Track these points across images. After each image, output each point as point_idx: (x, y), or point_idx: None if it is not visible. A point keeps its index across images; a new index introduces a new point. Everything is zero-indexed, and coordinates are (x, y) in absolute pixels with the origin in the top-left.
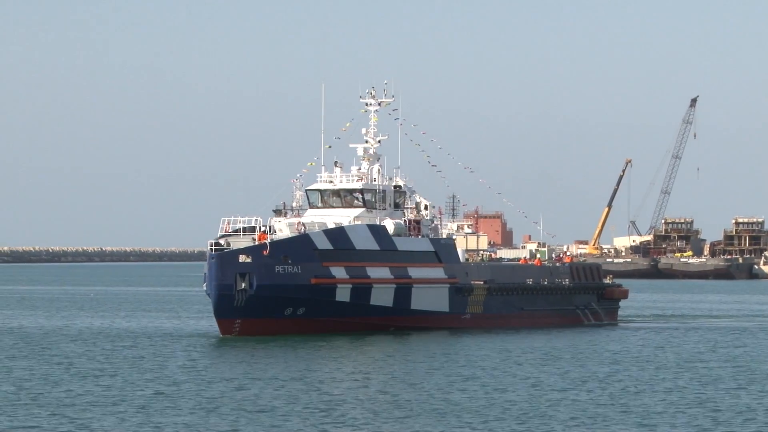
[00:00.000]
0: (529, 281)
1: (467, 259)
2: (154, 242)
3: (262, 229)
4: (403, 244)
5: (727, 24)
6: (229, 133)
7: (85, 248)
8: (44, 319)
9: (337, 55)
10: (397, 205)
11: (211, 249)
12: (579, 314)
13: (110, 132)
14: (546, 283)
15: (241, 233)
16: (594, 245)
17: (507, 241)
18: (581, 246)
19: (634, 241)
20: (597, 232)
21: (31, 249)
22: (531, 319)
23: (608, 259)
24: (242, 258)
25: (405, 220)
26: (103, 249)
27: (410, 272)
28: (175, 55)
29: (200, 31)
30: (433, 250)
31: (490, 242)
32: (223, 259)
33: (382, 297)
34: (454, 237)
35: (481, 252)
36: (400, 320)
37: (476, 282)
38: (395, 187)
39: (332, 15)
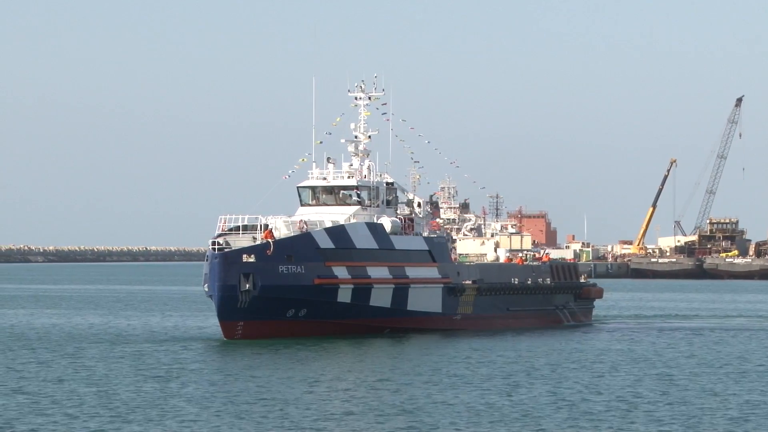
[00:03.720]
0: (515, 281)
1: (511, 259)
2: (197, 242)
3: (268, 226)
4: (399, 243)
5: None
6: (220, 130)
7: (130, 248)
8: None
9: (327, 49)
10: (388, 203)
11: (213, 248)
12: (559, 314)
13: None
14: (530, 282)
15: (241, 231)
16: (638, 245)
17: (551, 240)
18: (626, 246)
19: (678, 241)
20: (641, 232)
21: (77, 249)
22: (515, 320)
23: (653, 259)
24: (246, 257)
25: (400, 218)
26: (148, 248)
27: (407, 272)
28: (169, 55)
29: (192, 28)
30: (427, 248)
31: (534, 242)
32: (227, 258)
33: (381, 298)
34: (500, 236)
35: (525, 252)
36: (396, 321)
37: (467, 282)
38: (387, 183)
39: (322, 8)
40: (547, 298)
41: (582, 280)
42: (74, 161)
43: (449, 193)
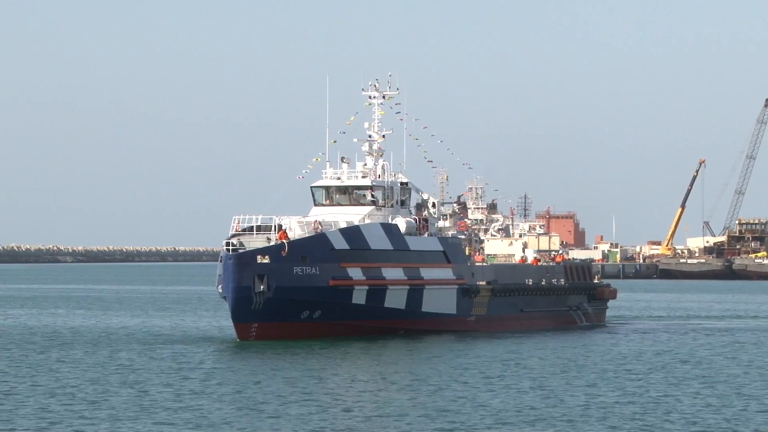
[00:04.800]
0: (529, 281)
1: (538, 260)
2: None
3: (283, 227)
4: (414, 244)
5: None
6: (233, 130)
7: (158, 248)
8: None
9: (341, 48)
10: (402, 203)
11: (227, 249)
12: (573, 315)
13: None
14: (544, 283)
15: (255, 232)
16: (667, 246)
17: (579, 241)
18: (654, 246)
19: (707, 242)
20: (670, 232)
21: (105, 249)
22: (529, 321)
23: (682, 260)
24: (260, 258)
25: (414, 218)
26: (177, 249)
27: (422, 273)
28: (184, 56)
29: (206, 28)
30: (442, 249)
31: (562, 242)
32: (241, 259)
33: (396, 299)
34: (528, 236)
35: (553, 252)
36: (410, 323)
37: (481, 283)
38: (401, 183)
39: (336, 7)
40: (561, 299)
41: (596, 281)
42: (103, 163)
43: (477, 193)
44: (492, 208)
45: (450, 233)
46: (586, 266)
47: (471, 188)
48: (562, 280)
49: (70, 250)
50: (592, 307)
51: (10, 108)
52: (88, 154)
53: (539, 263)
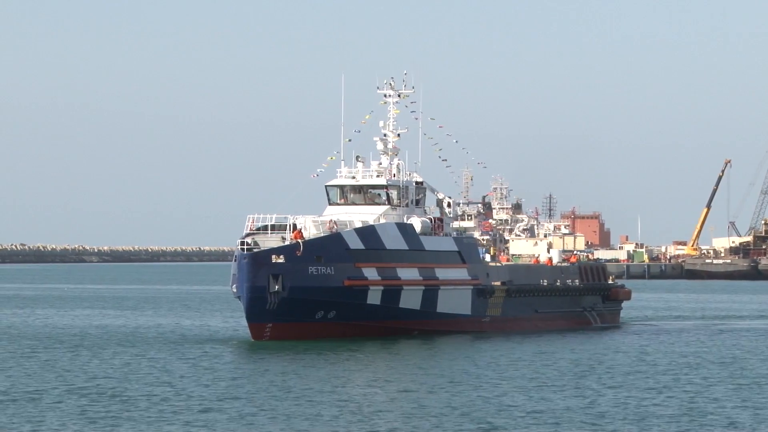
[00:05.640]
0: (544, 282)
1: (564, 261)
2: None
3: (297, 226)
4: (429, 244)
5: None
6: (247, 129)
7: (183, 248)
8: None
9: (356, 46)
10: (417, 202)
11: (241, 248)
12: (587, 316)
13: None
14: (558, 284)
15: (269, 231)
16: (693, 246)
17: (604, 241)
18: (680, 247)
19: (733, 242)
20: (696, 233)
21: (131, 249)
22: (544, 322)
23: (707, 260)
24: (275, 258)
25: (429, 218)
26: (202, 248)
27: (437, 273)
28: (200, 56)
29: (220, 26)
30: (457, 249)
31: (587, 242)
32: (256, 259)
33: (411, 299)
34: (553, 236)
35: (578, 252)
36: (425, 324)
37: (496, 283)
38: (416, 183)
39: (351, 5)
40: (576, 299)
41: (610, 282)
42: (128, 163)
43: (501, 193)
44: (517, 208)
45: (474, 234)
46: (600, 267)
47: (495, 188)
48: (577, 280)
49: (96, 250)
50: (607, 308)
51: (35, 110)
52: (114, 155)
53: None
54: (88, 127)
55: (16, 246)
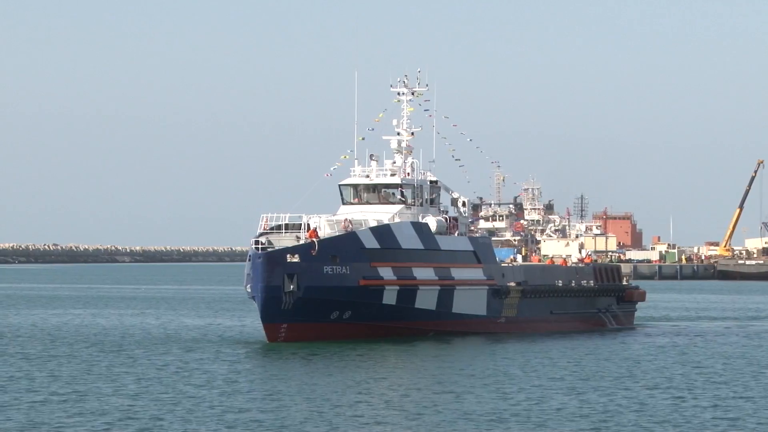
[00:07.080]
0: (559, 283)
1: (596, 260)
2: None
3: (312, 226)
4: (445, 243)
5: None
6: (262, 127)
7: (215, 248)
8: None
9: (370, 43)
10: (431, 202)
11: (256, 248)
12: (602, 318)
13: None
14: (573, 284)
15: (284, 230)
16: (725, 247)
17: (636, 242)
18: (712, 247)
19: (766, 242)
20: (728, 233)
21: (163, 249)
22: (559, 324)
23: (739, 261)
24: (290, 257)
25: (445, 218)
26: (233, 249)
27: (453, 273)
28: (213, 55)
29: (233, 25)
30: (473, 249)
31: (619, 243)
32: (271, 258)
33: (427, 299)
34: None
35: (609, 253)
36: (440, 324)
37: (511, 284)
38: (431, 182)
39: (365, 2)
40: (590, 300)
41: (624, 283)
42: (160, 164)
43: (533, 194)
44: (549, 208)
45: (506, 234)
46: (615, 267)
47: (527, 189)
48: (592, 281)
49: (128, 250)
50: (621, 310)
51: (64, 113)
52: (145, 157)
53: (568, 264)
54: (119, 130)
55: (48, 246)
